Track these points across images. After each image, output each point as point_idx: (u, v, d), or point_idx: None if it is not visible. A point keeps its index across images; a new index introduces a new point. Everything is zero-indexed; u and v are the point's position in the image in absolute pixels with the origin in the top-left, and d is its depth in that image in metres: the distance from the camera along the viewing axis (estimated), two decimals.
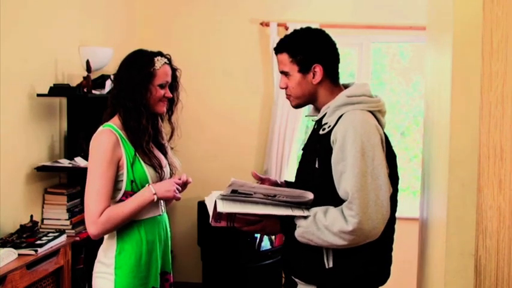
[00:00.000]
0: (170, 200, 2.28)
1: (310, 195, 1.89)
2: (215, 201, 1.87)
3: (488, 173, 1.75)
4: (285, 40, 2.04)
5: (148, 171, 2.11)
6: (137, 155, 2.09)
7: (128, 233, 2.09)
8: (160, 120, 2.24)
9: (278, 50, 2.04)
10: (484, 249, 1.76)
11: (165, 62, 2.14)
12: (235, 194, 1.87)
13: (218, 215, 1.92)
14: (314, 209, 1.90)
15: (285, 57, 2.01)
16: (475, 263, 1.78)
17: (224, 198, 1.88)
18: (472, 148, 1.77)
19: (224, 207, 1.86)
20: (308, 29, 2.05)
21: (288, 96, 2.06)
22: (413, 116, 4.73)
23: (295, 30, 2.06)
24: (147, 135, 2.12)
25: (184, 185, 2.19)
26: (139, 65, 2.11)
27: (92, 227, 2.00)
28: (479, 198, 1.76)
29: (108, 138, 2.05)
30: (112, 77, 3.29)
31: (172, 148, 2.30)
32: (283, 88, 2.06)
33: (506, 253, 1.75)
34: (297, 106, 2.08)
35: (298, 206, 1.92)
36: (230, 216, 1.93)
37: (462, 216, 1.78)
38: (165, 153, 2.26)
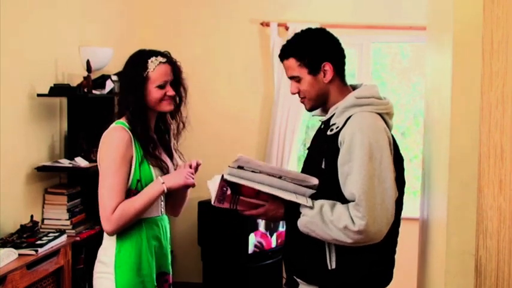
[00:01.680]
0: (183, 199, 2.28)
1: (314, 180, 1.88)
2: (221, 176, 1.85)
3: (489, 173, 1.75)
4: (289, 45, 2.00)
5: (155, 173, 2.11)
6: (145, 156, 2.09)
7: (127, 233, 2.08)
8: (169, 118, 2.23)
9: (284, 56, 2.00)
10: (485, 249, 1.76)
11: (161, 62, 2.10)
12: (241, 170, 1.85)
13: (222, 195, 1.89)
14: (320, 201, 1.87)
15: (292, 62, 1.97)
16: (475, 263, 1.77)
17: (231, 173, 1.85)
18: (473, 148, 1.76)
19: (230, 178, 1.83)
20: (309, 29, 2.03)
21: (302, 100, 2.02)
22: (414, 116, 4.73)
23: (296, 34, 2.02)
24: (151, 139, 2.12)
25: (195, 170, 2.16)
26: (134, 69, 2.09)
27: (107, 224, 2.01)
28: (480, 198, 1.76)
29: (121, 135, 2.04)
30: (112, 77, 3.31)
31: (176, 150, 2.29)
32: (294, 93, 2.02)
33: (506, 253, 1.75)
34: (311, 108, 2.04)
35: (303, 194, 1.89)
36: (234, 198, 1.90)
37: (462, 216, 1.78)
38: (171, 153, 2.25)
